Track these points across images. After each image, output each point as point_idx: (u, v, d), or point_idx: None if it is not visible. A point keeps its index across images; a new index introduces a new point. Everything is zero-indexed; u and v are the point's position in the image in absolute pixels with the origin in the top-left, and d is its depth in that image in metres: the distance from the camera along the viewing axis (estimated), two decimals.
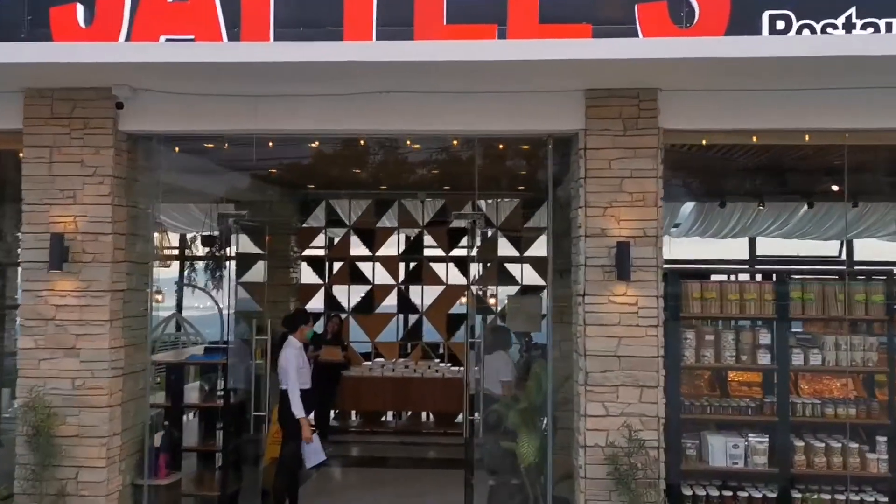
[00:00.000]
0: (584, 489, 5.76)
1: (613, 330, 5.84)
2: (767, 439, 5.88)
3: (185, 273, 12.20)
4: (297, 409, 6.95)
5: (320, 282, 11.67)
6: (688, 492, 5.94)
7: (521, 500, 6.67)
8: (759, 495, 5.87)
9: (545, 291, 10.92)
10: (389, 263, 11.66)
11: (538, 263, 11.06)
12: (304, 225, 11.59)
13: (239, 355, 7.60)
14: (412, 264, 11.72)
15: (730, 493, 5.93)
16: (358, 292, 11.66)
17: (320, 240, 11.87)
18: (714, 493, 5.95)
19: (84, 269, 6.02)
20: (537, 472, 6.61)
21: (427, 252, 11.69)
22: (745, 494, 5.91)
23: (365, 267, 11.70)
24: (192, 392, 7.90)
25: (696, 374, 6.47)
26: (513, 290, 11.31)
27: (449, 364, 11.25)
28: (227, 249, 10.62)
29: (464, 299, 11.74)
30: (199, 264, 11.86)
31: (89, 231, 6.05)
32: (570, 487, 6.21)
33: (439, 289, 11.55)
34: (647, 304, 5.82)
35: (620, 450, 5.67)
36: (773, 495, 5.87)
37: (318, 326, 11.29)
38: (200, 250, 11.83)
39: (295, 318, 7.37)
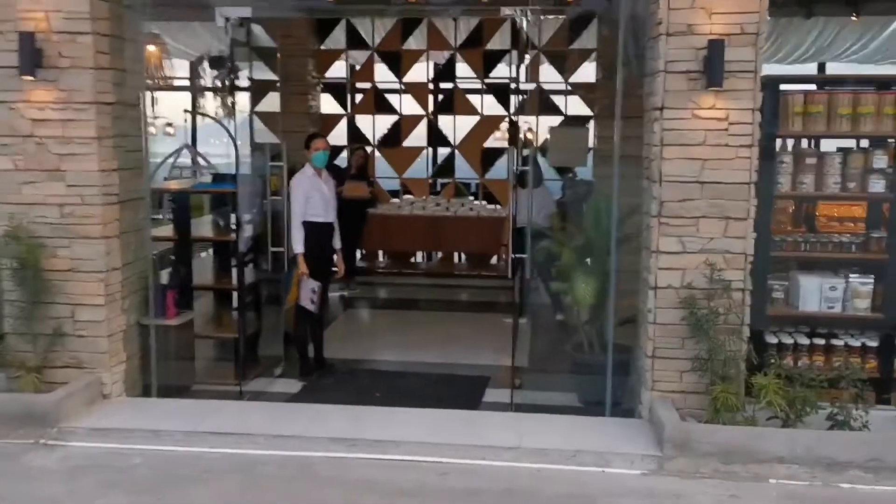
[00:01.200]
0: (654, 336, 4.97)
1: (696, 151, 4.84)
2: (872, 280, 4.99)
3: (197, 104, 11.22)
4: (296, 243, 6.15)
5: (342, 111, 10.62)
6: (772, 339, 5.13)
7: (573, 347, 5.94)
8: (857, 344, 5.06)
9: (591, 122, 9.89)
10: (418, 91, 10.53)
11: (585, 91, 9.90)
12: (323, 47, 10.39)
13: (252, 185, 6.73)
14: (443, 93, 10.57)
15: (822, 342, 5.11)
16: (384, 123, 10.62)
17: (341, 65, 10.71)
18: (803, 340, 5.13)
19: (62, 76, 5.05)
20: (594, 316, 5.84)
21: (460, 79, 10.52)
22: (839, 343, 5.09)
23: (391, 95, 10.59)
24: (205, 227, 7.10)
25: (781, 208, 5.50)
26: (555, 120, 10.22)
27: (484, 202, 10.37)
28: (238, 73, 9.56)
29: (498, 133, 10.70)
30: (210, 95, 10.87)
31: (65, 30, 5.03)
32: (630, 333, 5.44)
33: (473, 120, 10.46)
34: (741, 120, 4.78)
35: (699, 291, 4.83)
36: (874, 344, 5.06)
37: (342, 160, 10.40)
38: (209, 78, 10.77)
39: (306, 140, 6.42)
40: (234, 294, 6.58)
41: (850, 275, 5.05)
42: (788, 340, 5.12)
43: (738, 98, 4.76)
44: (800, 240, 5.16)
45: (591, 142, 9.31)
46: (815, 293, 5.05)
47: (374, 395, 5.86)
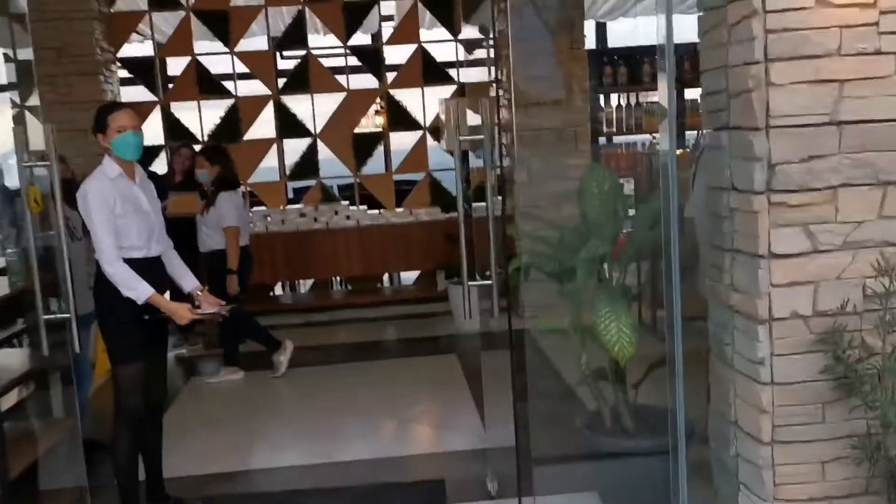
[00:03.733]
0: (771, 405, 2.66)
1: (826, 66, 2.59)
2: None
3: None
4: (126, 289, 3.35)
5: (152, 98, 7.63)
6: None
7: (587, 422, 3.49)
8: None
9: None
10: (258, 63, 7.73)
11: None
12: (114, 10, 7.36)
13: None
14: (293, 63, 7.84)
15: None
16: (214, 111, 7.73)
17: (145, 31, 7.74)
18: None
19: None
20: (617, 375, 3.43)
21: (314, 43, 7.85)
22: None
23: (220, 70, 7.72)
24: None
25: None
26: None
27: (364, 207, 7.76)
28: None
29: (374, 110, 8.15)
30: None
31: None
32: (694, 397, 3.13)
33: (337, 98, 7.81)
34: None
35: (849, 317, 2.60)
36: None
37: (160, 165, 7.45)
38: None
39: (97, 116, 3.55)
40: None
41: None
42: None
43: None
44: None
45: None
46: None
47: None
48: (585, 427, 3.44)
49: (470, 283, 3.44)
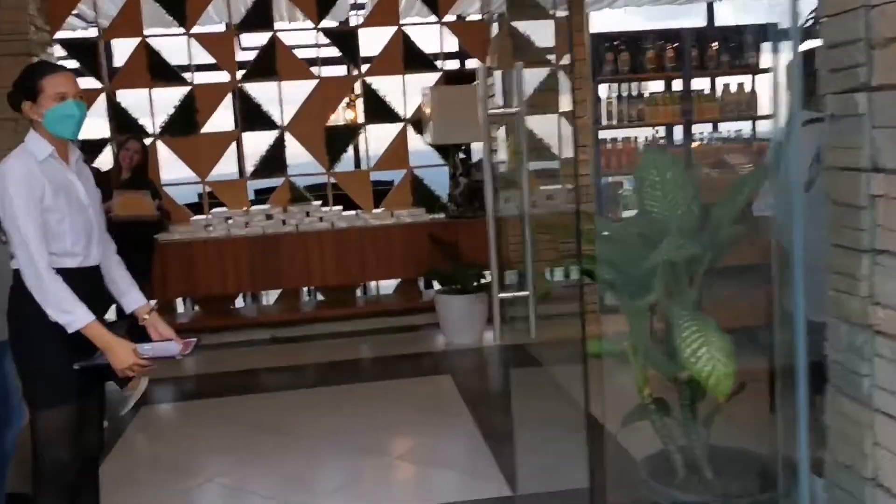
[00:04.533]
0: None
1: None
2: None
3: None
4: (55, 304, 2.53)
5: (96, 84, 6.73)
6: None
7: (666, 477, 2.78)
8: None
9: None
10: (217, 47, 6.87)
11: None
12: None
13: None
14: (256, 46, 7.00)
15: None
16: (167, 100, 6.85)
17: (86, 12, 6.84)
18: None
19: None
20: (689, 409, 2.71)
21: (280, 25, 7.02)
22: None
23: (175, 55, 6.85)
24: None
25: None
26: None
27: (339, 208, 6.95)
28: None
29: (346, 102, 7.38)
30: None
31: None
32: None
33: (307, 86, 7.00)
34: None
35: None
36: None
37: (104, 161, 6.57)
38: None
39: (22, 80, 2.71)
40: None
41: None
42: None
43: None
44: None
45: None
46: None
47: None
48: (650, 476, 2.71)
49: (502, 294, 2.68)
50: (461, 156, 6.79)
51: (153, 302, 5.04)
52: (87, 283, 2.64)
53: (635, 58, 6.23)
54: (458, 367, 5.53)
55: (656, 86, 6.45)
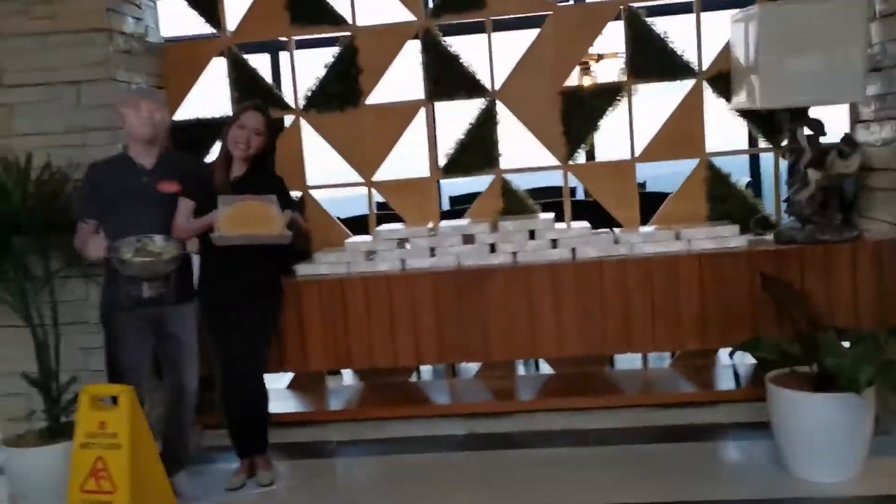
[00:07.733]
0: None
1: None
2: None
3: None
4: None
5: (213, 33, 4.41)
6: None
7: None
8: None
9: None
10: None
11: None
12: None
13: None
14: None
15: None
16: (315, 55, 4.40)
17: None
18: None
19: None
20: None
21: None
22: None
23: None
24: None
25: None
26: None
27: (585, 225, 4.13)
28: None
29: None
30: None
31: None
32: None
33: (529, 36, 4.29)
34: None
35: None
36: None
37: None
38: None
39: None
40: None
41: None
42: None
43: None
44: None
45: None
46: None
47: None
48: None
49: None
50: (808, 132, 3.79)
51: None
52: None
53: None
54: None
55: None
